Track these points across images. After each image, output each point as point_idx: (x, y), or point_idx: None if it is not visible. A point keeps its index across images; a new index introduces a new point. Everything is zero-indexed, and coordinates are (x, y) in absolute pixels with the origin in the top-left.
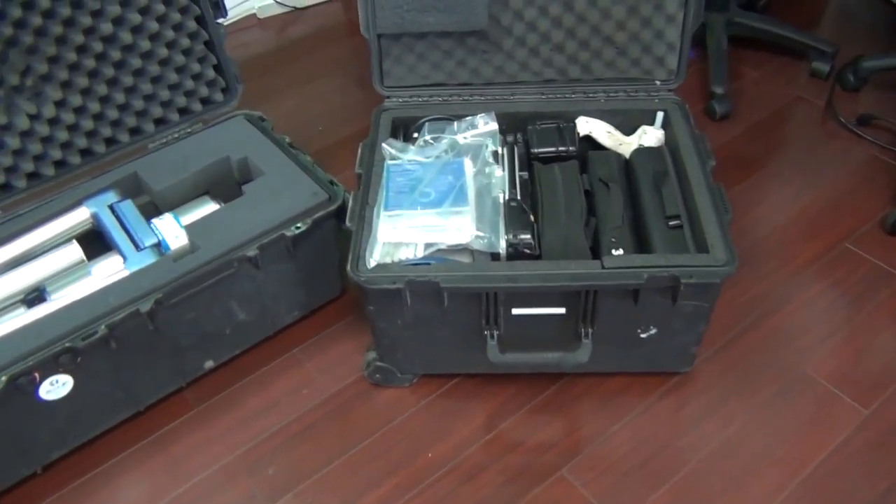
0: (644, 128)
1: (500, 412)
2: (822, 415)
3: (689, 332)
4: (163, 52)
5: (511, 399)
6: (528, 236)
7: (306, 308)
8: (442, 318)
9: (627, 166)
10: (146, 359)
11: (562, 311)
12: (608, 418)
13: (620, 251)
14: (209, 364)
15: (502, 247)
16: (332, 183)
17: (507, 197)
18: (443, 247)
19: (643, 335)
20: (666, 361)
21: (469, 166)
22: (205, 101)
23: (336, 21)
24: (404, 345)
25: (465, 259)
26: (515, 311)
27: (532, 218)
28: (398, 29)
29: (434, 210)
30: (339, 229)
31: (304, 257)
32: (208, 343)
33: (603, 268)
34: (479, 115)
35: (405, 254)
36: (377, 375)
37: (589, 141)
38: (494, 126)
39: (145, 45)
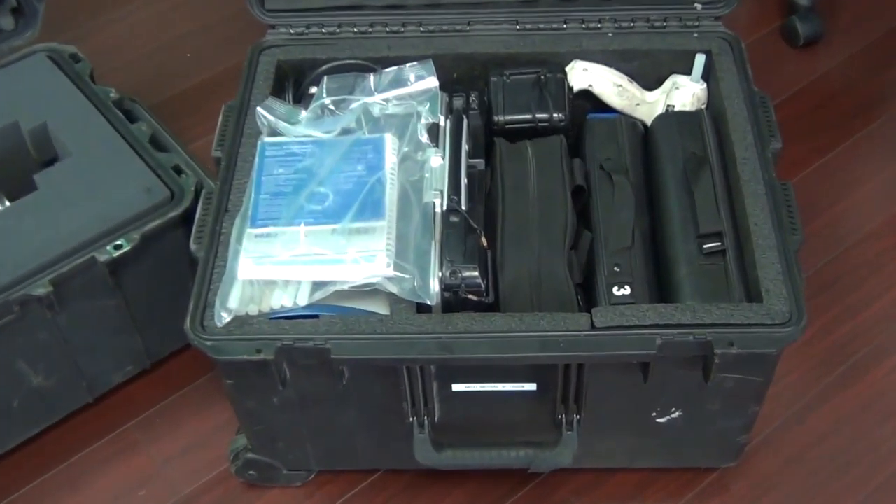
0: (676, 79)
1: None
2: None
3: (734, 415)
4: None
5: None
6: (476, 273)
7: (146, 360)
8: (342, 397)
9: (647, 141)
10: None
11: (531, 387)
12: None
13: (626, 290)
14: None
15: (434, 292)
16: (177, 171)
17: (446, 205)
18: (343, 288)
19: (660, 420)
20: (698, 455)
21: (391, 148)
22: None
23: None
24: (287, 432)
25: (380, 307)
26: (457, 388)
27: (485, 241)
28: None
29: (329, 226)
30: None
31: (135, 288)
32: None
33: (593, 327)
34: (408, 65)
35: (281, 299)
36: (250, 472)
37: (589, 98)
38: (433, 83)
39: None
